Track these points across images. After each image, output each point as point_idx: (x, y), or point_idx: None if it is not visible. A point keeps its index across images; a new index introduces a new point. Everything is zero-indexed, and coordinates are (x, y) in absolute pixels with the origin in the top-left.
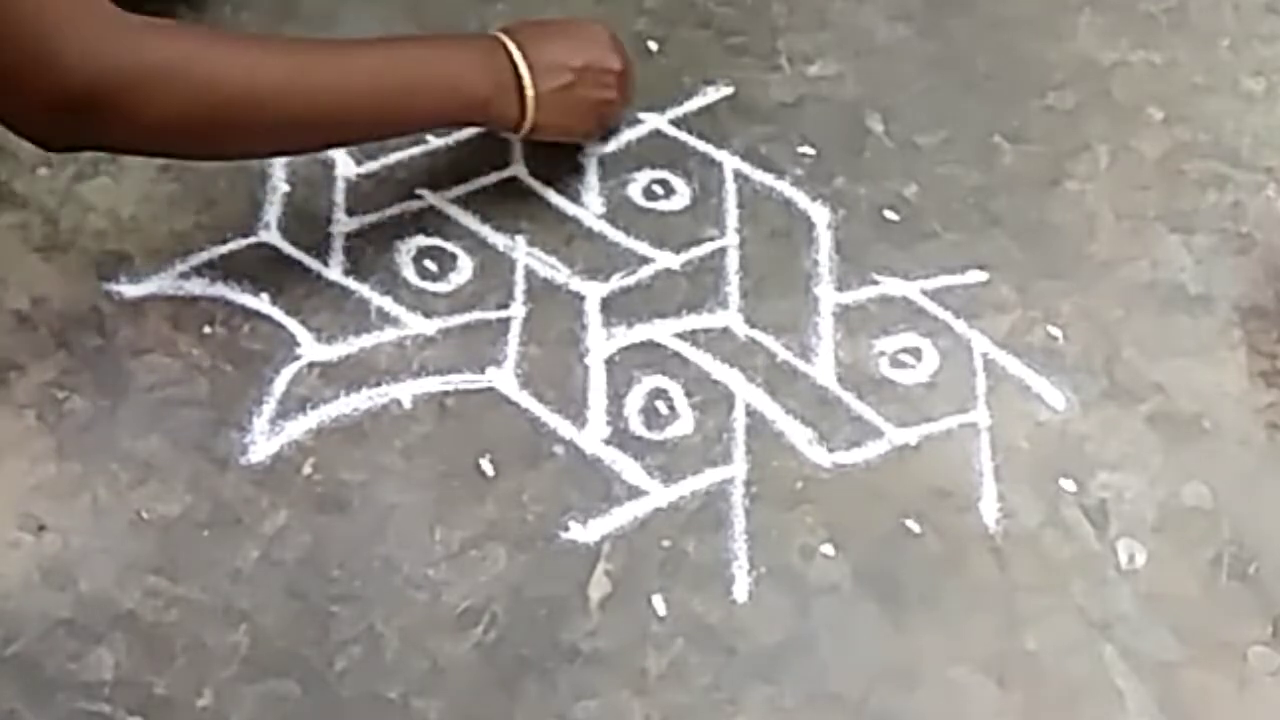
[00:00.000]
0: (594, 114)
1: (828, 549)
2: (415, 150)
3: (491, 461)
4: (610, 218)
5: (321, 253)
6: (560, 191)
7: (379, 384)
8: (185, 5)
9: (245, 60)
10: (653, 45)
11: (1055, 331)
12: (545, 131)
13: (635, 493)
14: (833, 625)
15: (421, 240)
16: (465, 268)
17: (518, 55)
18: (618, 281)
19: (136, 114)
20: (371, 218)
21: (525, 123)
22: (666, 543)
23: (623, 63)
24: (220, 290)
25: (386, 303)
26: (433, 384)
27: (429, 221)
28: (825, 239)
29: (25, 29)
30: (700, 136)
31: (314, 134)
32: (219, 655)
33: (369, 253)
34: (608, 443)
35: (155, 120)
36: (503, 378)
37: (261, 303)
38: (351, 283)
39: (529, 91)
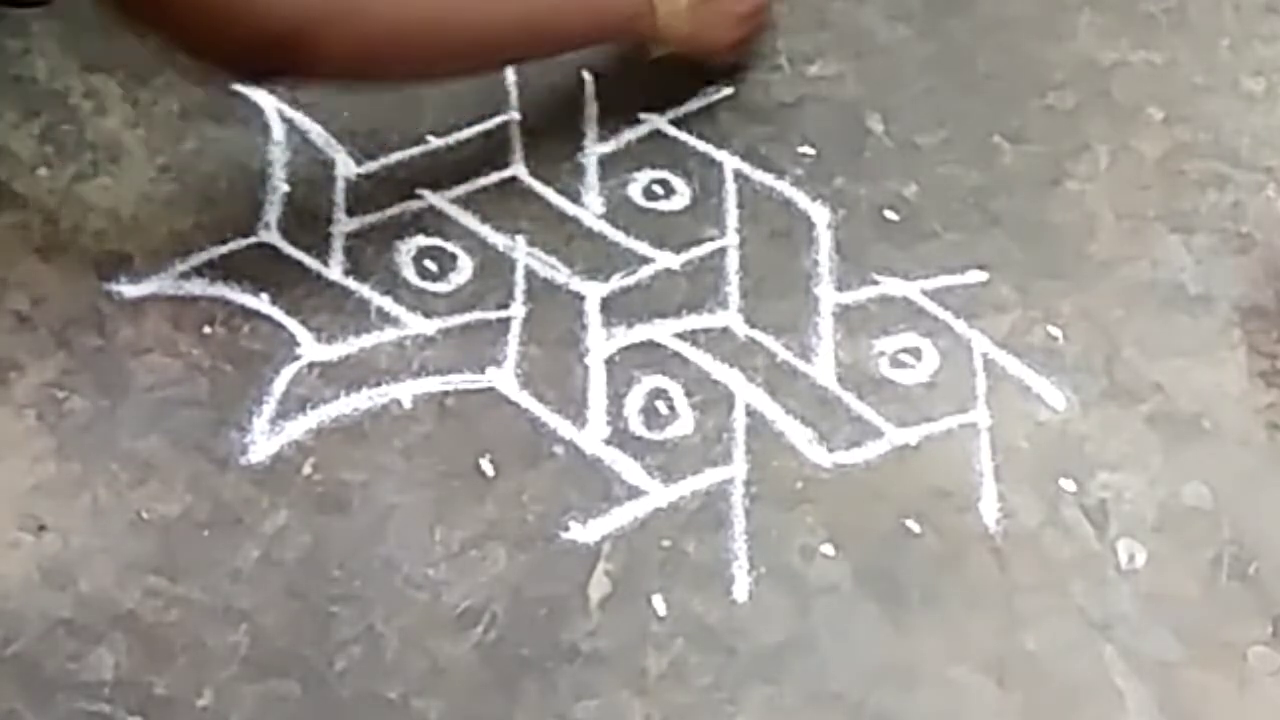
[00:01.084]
0: (739, 25)
1: (828, 549)
2: (415, 150)
3: (491, 461)
4: (610, 218)
5: (321, 253)
6: (560, 191)
7: (379, 384)
8: None
9: None
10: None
11: (1055, 331)
12: (693, 44)
13: (635, 493)
14: (833, 625)
15: (421, 240)
16: (465, 268)
17: None
18: (618, 281)
19: (328, 48)
20: (371, 218)
21: (673, 36)
22: (666, 543)
23: (758, 33)
24: (220, 290)
25: (386, 303)
26: (433, 384)
27: (429, 221)
28: (825, 239)
29: None
30: (700, 136)
31: (483, 56)
32: (219, 655)
33: (369, 253)
34: (608, 443)
35: (344, 52)
36: (503, 378)
37: (261, 303)
38: (351, 283)
39: (672, 5)
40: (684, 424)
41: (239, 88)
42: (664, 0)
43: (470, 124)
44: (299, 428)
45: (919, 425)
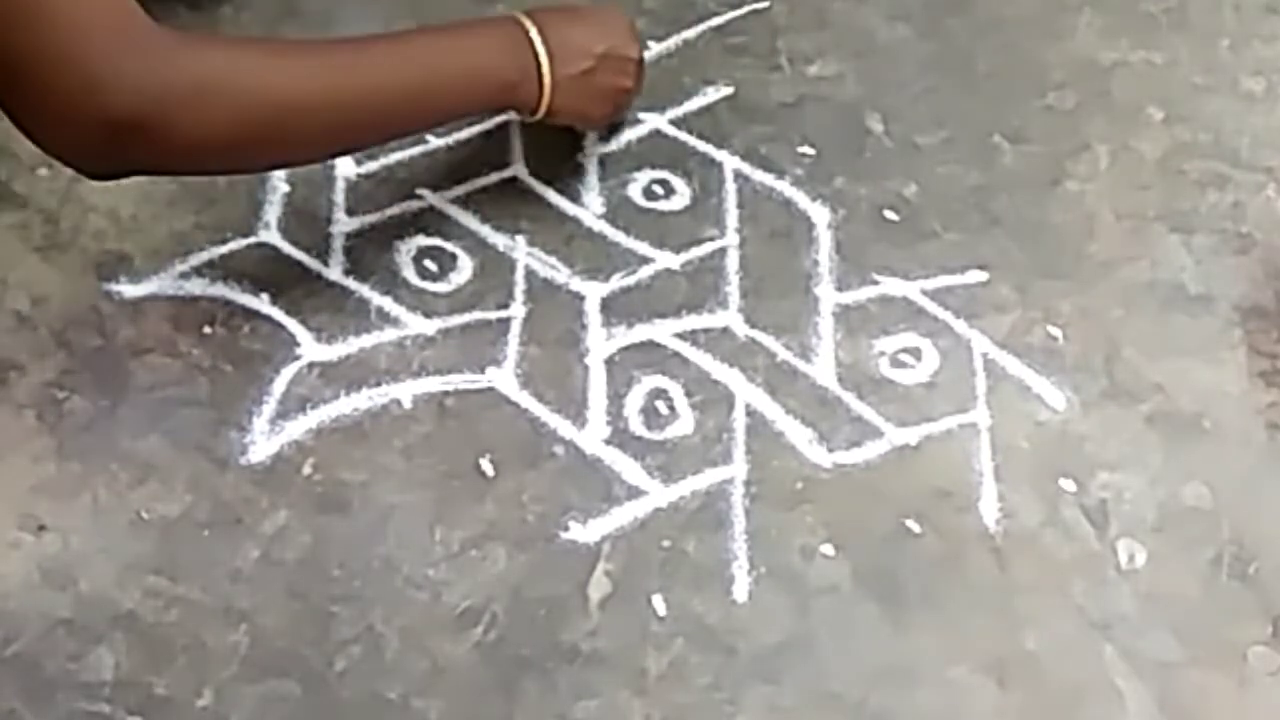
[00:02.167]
0: (611, 100)
1: (828, 549)
2: (415, 150)
3: (491, 461)
4: (610, 218)
5: (321, 253)
6: (560, 191)
7: (379, 384)
8: (186, 6)
9: (282, 70)
10: (653, 45)
11: (1055, 331)
12: (562, 116)
13: (635, 493)
14: (833, 625)
15: (421, 240)
16: (465, 268)
17: (539, 39)
18: (618, 281)
19: (180, 133)
20: (371, 218)
21: (543, 107)
22: (666, 543)
23: (639, 51)
24: (220, 290)
25: (386, 303)
26: (433, 384)
27: (429, 221)
28: (825, 239)
29: (64, 54)
30: (700, 136)
31: (352, 136)
32: (219, 655)
33: (369, 253)
34: (608, 443)
35: (197, 138)
36: (503, 378)
37: (261, 303)
38: (351, 283)
39: (548, 76)
40: (684, 424)
41: None
42: (545, 70)
43: (470, 124)
44: (299, 428)
45: (919, 425)
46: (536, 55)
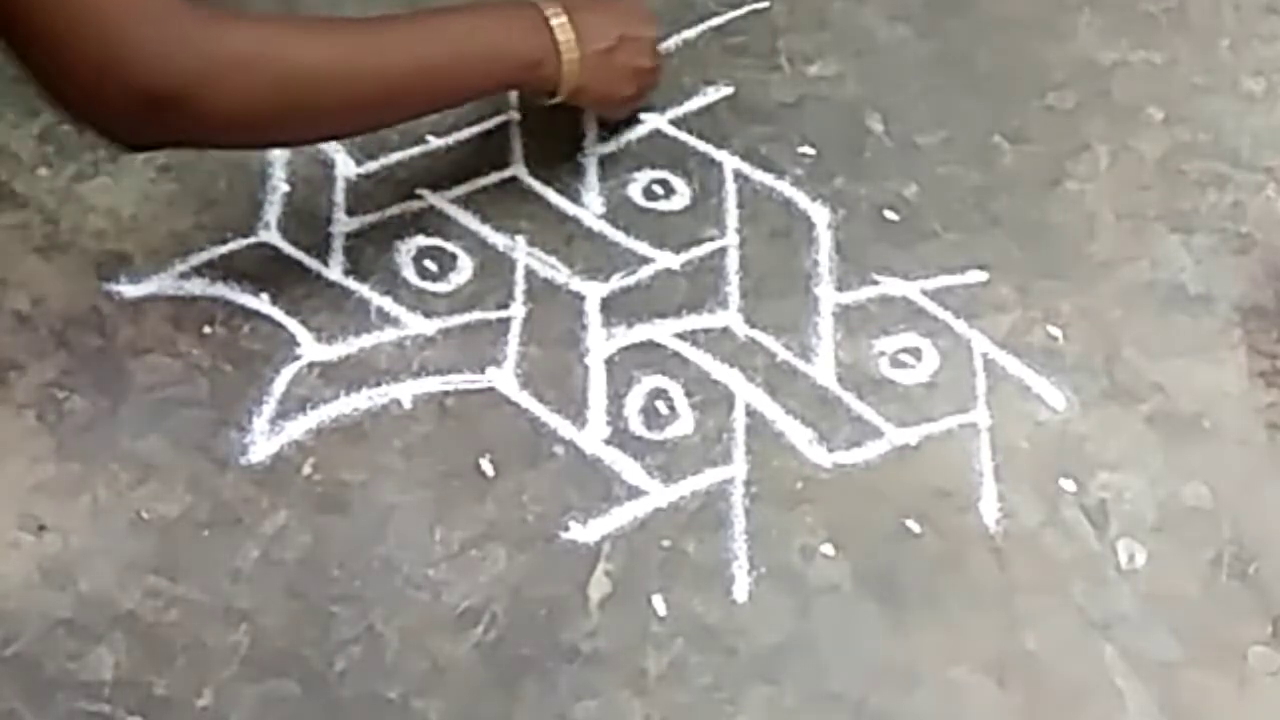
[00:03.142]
0: (634, 80)
1: (828, 549)
2: (415, 150)
3: (491, 461)
4: (610, 218)
5: (321, 253)
6: (560, 191)
7: (379, 384)
8: None
9: (314, 44)
10: None
11: (1055, 331)
12: (586, 96)
13: (635, 493)
14: (833, 625)
15: (421, 240)
16: (465, 268)
17: (558, 19)
18: (618, 281)
19: (214, 106)
20: (371, 218)
21: (564, 87)
22: (666, 543)
23: (655, 31)
24: (220, 290)
25: (386, 303)
26: (433, 384)
27: (429, 221)
28: (825, 239)
29: (101, 32)
30: (700, 136)
31: (379, 111)
32: (219, 655)
33: (369, 253)
34: (608, 443)
35: (232, 111)
36: (503, 378)
37: (261, 303)
38: (351, 283)
39: (570, 54)
40: (684, 424)
41: None
42: (565, 49)
43: (470, 124)
44: (299, 428)
45: (919, 425)
46: (554, 34)
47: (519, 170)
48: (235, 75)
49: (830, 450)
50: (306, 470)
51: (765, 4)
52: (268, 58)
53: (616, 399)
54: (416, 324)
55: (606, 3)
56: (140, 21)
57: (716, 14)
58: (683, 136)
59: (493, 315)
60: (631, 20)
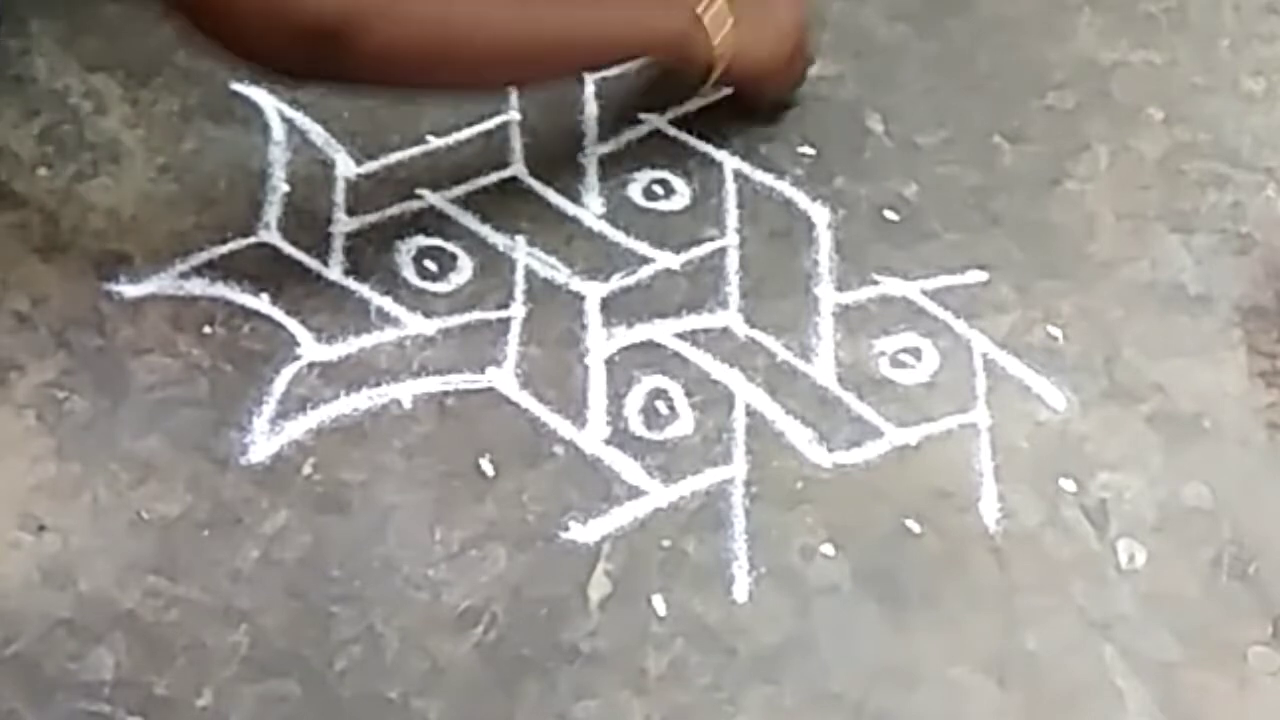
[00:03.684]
0: (786, 42)
1: (828, 549)
2: (415, 150)
3: (491, 461)
4: (610, 218)
5: (321, 253)
6: (560, 191)
7: (379, 384)
8: None
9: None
10: None
11: (1055, 331)
12: (742, 64)
13: (635, 493)
14: (833, 625)
15: (421, 240)
16: (465, 268)
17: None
18: (618, 281)
19: (375, 44)
20: (371, 218)
21: (717, 65)
22: (666, 543)
23: (804, 59)
24: (220, 290)
25: (386, 303)
26: (433, 384)
27: (429, 221)
28: (825, 239)
29: None
30: (700, 136)
31: (526, 65)
32: (219, 655)
33: (369, 253)
34: (608, 443)
35: (393, 49)
36: (503, 378)
37: (261, 303)
38: (351, 283)
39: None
40: (684, 424)
41: (239, 87)
42: (712, 16)
43: (470, 124)
44: (299, 428)
45: (919, 425)
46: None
47: (519, 170)
48: (395, 17)
49: (830, 450)
50: (306, 470)
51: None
52: (426, 5)
53: (616, 399)
54: (416, 324)
55: (780, 15)
56: None
57: None
58: (683, 136)
59: (493, 315)
60: (790, 39)
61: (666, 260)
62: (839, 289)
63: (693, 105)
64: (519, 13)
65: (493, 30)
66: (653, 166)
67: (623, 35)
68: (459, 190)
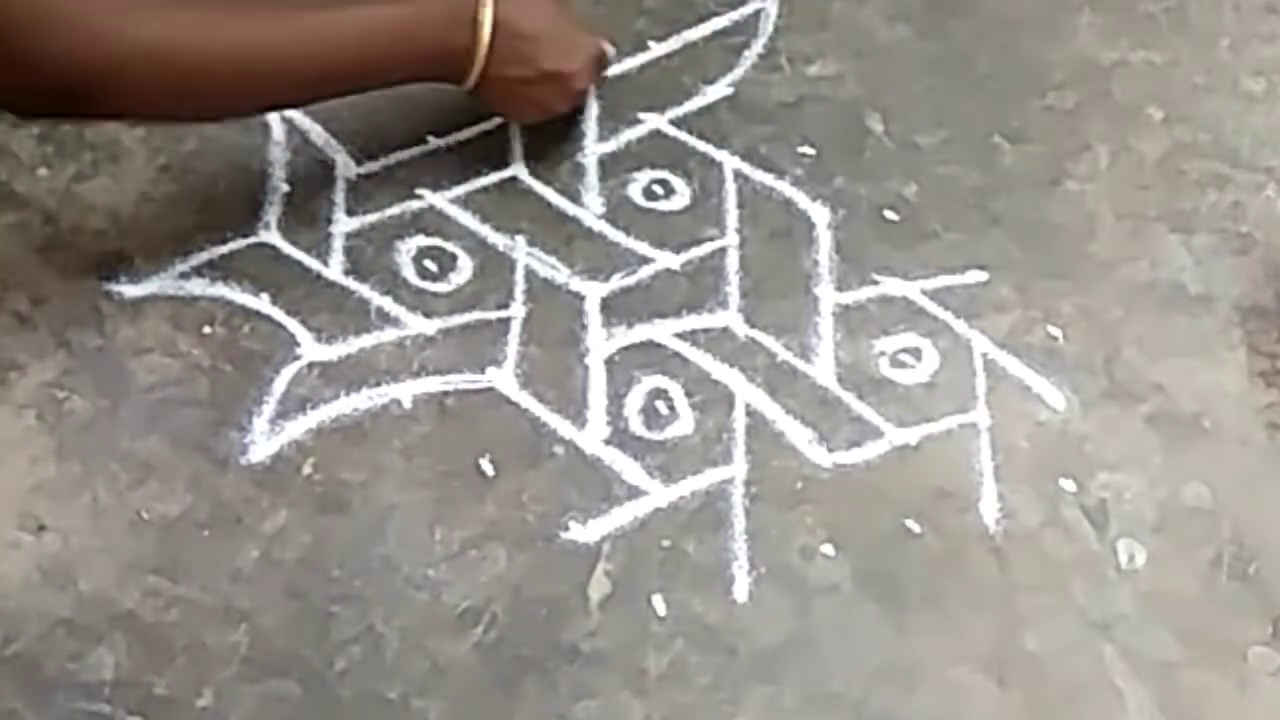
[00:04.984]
0: (539, 112)
1: (828, 549)
2: (415, 150)
3: (491, 461)
4: (610, 218)
5: (321, 253)
6: (560, 191)
7: (379, 384)
8: None
9: (225, 28)
10: (653, 45)
11: (1055, 331)
12: (486, 103)
13: (635, 493)
14: (833, 625)
15: (421, 240)
16: (465, 268)
17: (488, 24)
18: (618, 281)
19: (125, 93)
20: (371, 218)
21: (469, 83)
22: (666, 543)
23: (589, 82)
24: (220, 290)
25: (386, 303)
26: (433, 384)
27: (429, 221)
28: (825, 239)
29: (10, 25)
30: (700, 136)
31: (289, 90)
32: (219, 655)
33: (369, 253)
34: (608, 443)
35: (144, 95)
36: (503, 378)
37: (261, 303)
38: (351, 283)
39: (480, 64)
40: (684, 424)
41: None
42: (481, 60)
43: (470, 124)
44: (299, 428)
45: (919, 425)
46: (477, 41)
47: (519, 170)
48: (149, 64)
49: (830, 450)
50: (306, 470)
51: (765, 4)
52: (178, 43)
53: (616, 399)
54: (416, 324)
55: (552, 35)
56: (55, 12)
57: (716, 14)
58: (683, 136)
59: (493, 315)
60: (569, 62)
61: (666, 260)
62: (839, 289)
63: (693, 105)
64: (277, 48)
65: (250, 61)
66: (653, 166)
67: (387, 51)
68: (459, 190)
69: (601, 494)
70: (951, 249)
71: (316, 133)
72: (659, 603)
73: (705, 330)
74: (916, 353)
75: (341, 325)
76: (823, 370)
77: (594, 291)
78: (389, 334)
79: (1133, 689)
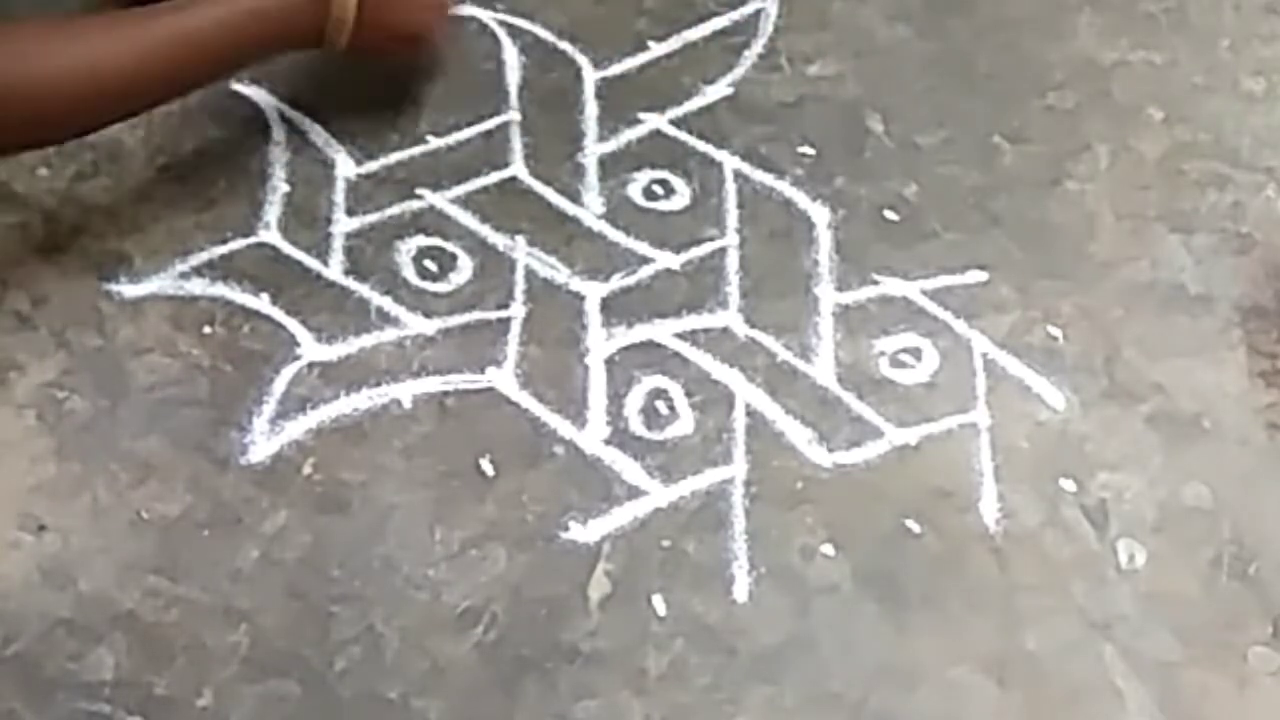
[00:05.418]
0: (417, 45)
1: (828, 549)
2: (415, 150)
3: (491, 461)
4: (610, 218)
5: (321, 253)
6: (560, 191)
7: (379, 384)
8: None
9: (83, 49)
10: (653, 45)
11: (1055, 331)
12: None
13: (635, 493)
14: (833, 625)
15: (421, 240)
16: (465, 268)
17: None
18: (618, 281)
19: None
20: (371, 218)
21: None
22: (666, 543)
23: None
24: (220, 290)
25: (386, 303)
26: (433, 384)
27: (429, 221)
28: (825, 239)
29: None
30: (700, 136)
31: (155, 91)
32: (219, 655)
33: (369, 253)
34: (608, 443)
35: (8, 130)
36: (503, 378)
37: (261, 303)
38: (351, 283)
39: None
40: (684, 424)
41: (239, 87)
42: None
43: (470, 124)
44: (299, 428)
45: (919, 425)
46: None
47: (519, 170)
48: (7, 102)
49: (830, 450)
50: (306, 470)
51: (765, 4)
52: (33, 70)
53: (616, 399)
54: (416, 324)
55: None
56: None
57: (716, 14)
58: (683, 136)
59: (493, 315)
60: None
61: (666, 260)
62: (839, 289)
63: (693, 105)
64: (119, 60)
65: (105, 73)
66: (653, 166)
67: (242, 35)
68: (459, 190)
69: (601, 494)
70: (951, 249)
71: (316, 133)
72: (659, 603)
73: (705, 330)
74: (916, 353)
75: (341, 325)
76: (823, 370)
77: (594, 291)
78: (389, 334)
79: (1133, 689)
